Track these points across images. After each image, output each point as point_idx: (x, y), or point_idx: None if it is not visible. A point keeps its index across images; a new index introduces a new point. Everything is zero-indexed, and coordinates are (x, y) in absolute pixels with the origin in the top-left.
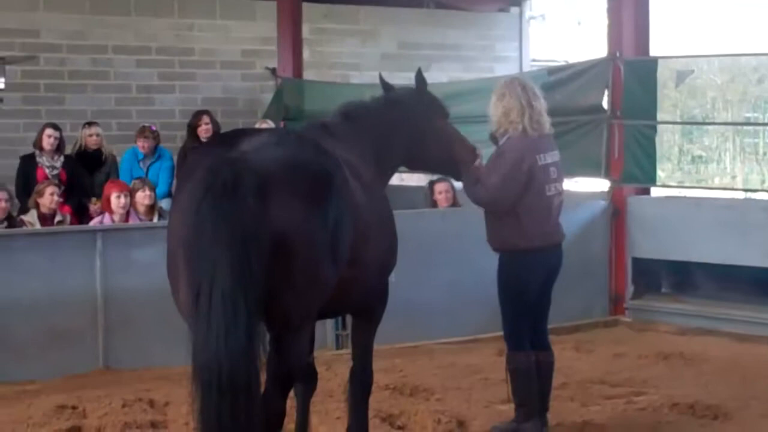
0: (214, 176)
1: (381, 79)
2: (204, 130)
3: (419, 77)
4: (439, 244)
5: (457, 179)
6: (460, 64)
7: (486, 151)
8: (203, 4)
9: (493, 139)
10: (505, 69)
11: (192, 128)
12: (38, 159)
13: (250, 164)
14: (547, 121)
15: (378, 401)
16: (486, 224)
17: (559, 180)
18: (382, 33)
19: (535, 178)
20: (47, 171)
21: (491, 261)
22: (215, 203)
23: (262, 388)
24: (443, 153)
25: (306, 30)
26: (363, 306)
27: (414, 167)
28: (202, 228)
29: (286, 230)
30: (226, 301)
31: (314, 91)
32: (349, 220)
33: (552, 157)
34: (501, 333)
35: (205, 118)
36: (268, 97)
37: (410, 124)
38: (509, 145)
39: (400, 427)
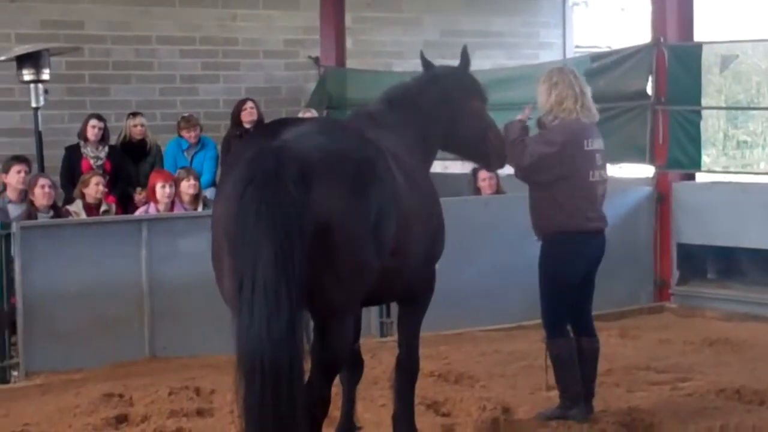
0: (257, 166)
1: (422, 57)
2: (247, 114)
3: (465, 56)
4: (483, 231)
5: (487, 168)
6: (504, 51)
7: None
8: None
9: (540, 124)
10: (549, 56)
11: (235, 115)
12: (83, 150)
13: (292, 153)
14: (596, 109)
15: (423, 388)
16: (530, 210)
17: (603, 167)
18: (425, 21)
19: (578, 161)
20: (92, 161)
21: (535, 248)
22: (258, 192)
23: (307, 377)
24: (476, 136)
25: (349, 19)
26: (409, 294)
27: (448, 149)
28: (245, 217)
29: (329, 218)
30: (268, 290)
31: (357, 79)
32: (392, 208)
33: (597, 144)
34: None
35: (249, 103)
36: (311, 86)
37: (448, 103)
38: (559, 126)
39: (444, 414)
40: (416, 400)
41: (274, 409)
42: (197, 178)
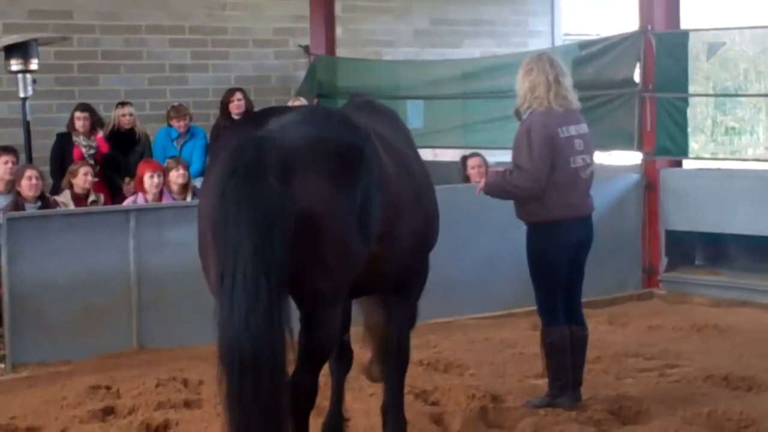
0: (239, 157)
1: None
2: (236, 106)
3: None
4: (472, 219)
5: None
6: (494, 39)
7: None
8: None
9: (517, 114)
10: (539, 44)
11: (224, 105)
12: (75, 138)
13: (275, 143)
14: (574, 97)
15: (412, 377)
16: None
17: (587, 152)
18: (415, 9)
19: (558, 150)
20: (84, 150)
21: (524, 235)
22: (238, 184)
23: (292, 368)
24: None
25: (338, 7)
26: (400, 282)
27: None
28: (227, 210)
29: (312, 208)
30: (248, 282)
31: (347, 68)
32: (379, 194)
33: (577, 129)
34: (534, 307)
35: (237, 95)
36: (301, 74)
37: None
38: (532, 121)
39: (433, 403)
40: (405, 389)
41: (255, 402)
42: (186, 167)
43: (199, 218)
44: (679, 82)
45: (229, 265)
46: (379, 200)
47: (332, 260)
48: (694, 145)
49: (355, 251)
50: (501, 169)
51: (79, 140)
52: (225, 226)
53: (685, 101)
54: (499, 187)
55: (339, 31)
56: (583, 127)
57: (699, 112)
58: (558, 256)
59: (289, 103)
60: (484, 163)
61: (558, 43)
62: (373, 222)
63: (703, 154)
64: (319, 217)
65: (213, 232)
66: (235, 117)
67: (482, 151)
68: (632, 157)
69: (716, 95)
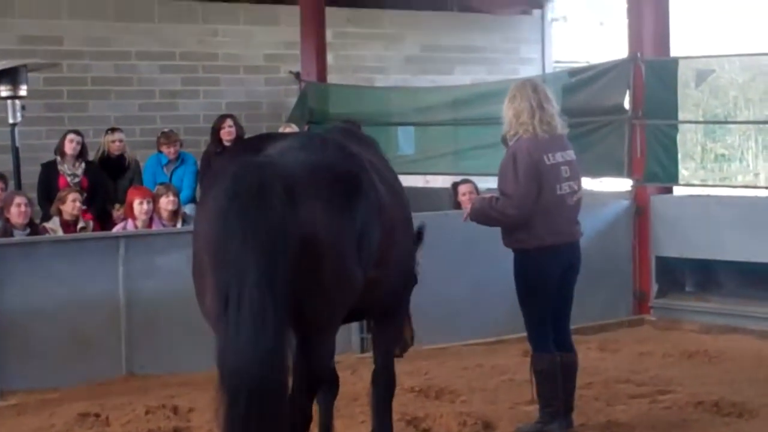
0: (241, 181)
1: None
2: (227, 133)
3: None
4: (464, 245)
5: None
6: (484, 66)
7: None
8: (227, 10)
9: (504, 141)
10: (529, 71)
11: (215, 131)
12: (60, 167)
13: (277, 169)
14: (559, 123)
15: (403, 404)
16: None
17: (573, 179)
18: (406, 36)
19: (544, 177)
20: (69, 179)
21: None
22: (243, 209)
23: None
24: None
25: (330, 34)
26: (388, 308)
27: None
28: (230, 234)
29: (315, 234)
30: (254, 307)
31: (339, 94)
32: (377, 220)
33: (564, 156)
34: (526, 333)
35: (228, 121)
36: (292, 101)
37: None
38: (517, 148)
39: (425, 430)
40: (396, 416)
41: (261, 427)
42: (176, 194)
43: (196, 242)
44: (669, 109)
45: (234, 289)
46: (377, 226)
47: (333, 285)
48: (684, 171)
49: (355, 277)
50: (487, 195)
51: (64, 168)
52: (229, 248)
53: (675, 128)
54: (484, 213)
55: (330, 57)
56: (570, 154)
57: (689, 138)
58: (546, 283)
59: (280, 130)
60: (475, 190)
61: (549, 70)
62: (372, 248)
63: (692, 180)
64: (321, 243)
65: (214, 255)
66: (226, 143)
67: (474, 178)
68: (622, 184)
69: (706, 122)
